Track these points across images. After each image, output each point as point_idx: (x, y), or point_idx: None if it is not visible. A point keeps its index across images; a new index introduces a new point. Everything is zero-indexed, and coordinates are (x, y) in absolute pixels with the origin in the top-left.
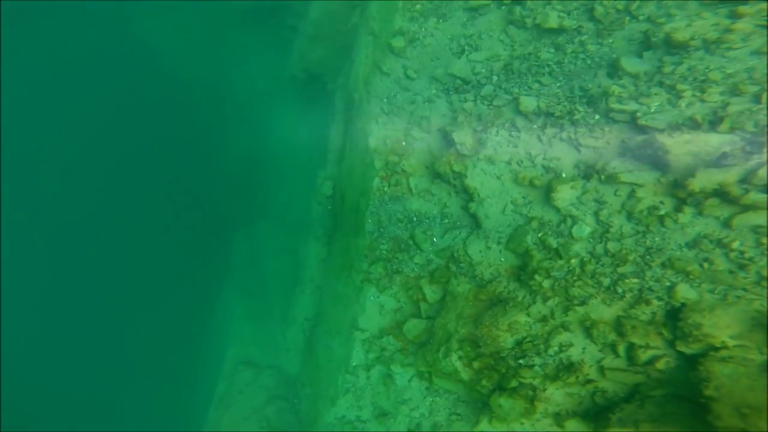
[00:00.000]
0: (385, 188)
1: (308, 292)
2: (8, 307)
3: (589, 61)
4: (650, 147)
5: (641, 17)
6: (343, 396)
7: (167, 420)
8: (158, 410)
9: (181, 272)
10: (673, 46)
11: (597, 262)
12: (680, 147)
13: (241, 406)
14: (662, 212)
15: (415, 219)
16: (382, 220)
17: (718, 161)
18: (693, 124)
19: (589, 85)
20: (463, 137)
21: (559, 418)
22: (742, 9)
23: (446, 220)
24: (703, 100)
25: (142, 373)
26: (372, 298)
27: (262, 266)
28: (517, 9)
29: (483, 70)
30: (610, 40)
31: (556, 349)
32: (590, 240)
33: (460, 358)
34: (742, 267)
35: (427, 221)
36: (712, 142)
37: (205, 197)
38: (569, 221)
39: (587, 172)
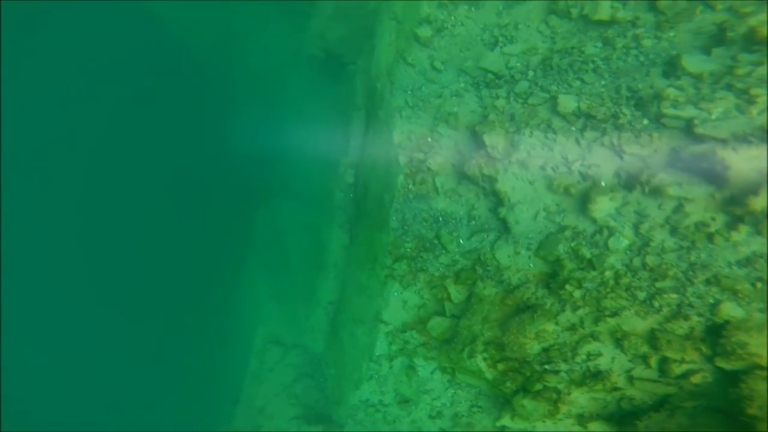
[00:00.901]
0: (410, 186)
1: (331, 277)
2: (19, 292)
3: (642, 58)
4: (707, 160)
5: (720, 6)
6: (366, 382)
7: (200, 395)
8: (191, 386)
9: (203, 249)
10: (755, 43)
11: (633, 276)
12: (745, 163)
13: (272, 383)
14: (712, 229)
15: (440, 219)
16: (407, 217)
17: None
18: (763, 135)
19: (639, 86)
20: (495, 139)
21: (582, 419)
22: None
23: (473, 222)
24: None
25: (173, 350)
26: (396, 293)
27: (284, 243)
28: None
29: (518, 65)
30: (672, 34)
31: (584, 357)
32: (627, 253)
33: (484, 359)
34: None
35: (453, 221)
36: None
37: (221, 174)
38: (605, 232)
39: (629, 183)
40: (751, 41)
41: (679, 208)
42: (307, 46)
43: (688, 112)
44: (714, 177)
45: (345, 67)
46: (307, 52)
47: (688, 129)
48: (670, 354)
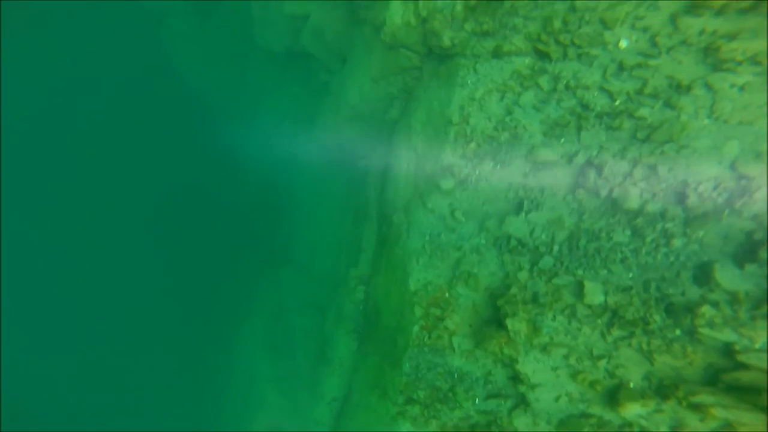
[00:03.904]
0: (425, 339)
1: (336, 374)
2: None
3: (672, 258)
4: (756, 389)
5: (746, 214)
6: None
7: None
8: None
9: (197, 317)
10: None
11: None
12: None
13: None
14: None
15: (456, 376)
16: (421, 366)
17: None
18: None
19: (670, 290)
20: (518, 325)
21: None
22: None
23: (490, 386)
24: None
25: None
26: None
27: (288, 321)
28: (592, 174)
29: (543, 236)
30: (701, 233)
31: None
32: None
33: None
34: None
35: (469, 380)
36: None
37: (225, 238)
38: (636, 428)
39: (663, 392)
40: None
41: (726, 426)
42: (319, 133)
43: (727, 335)
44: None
45: (358, 161)
46: (319, 137)
47: (727, 350)
48: None
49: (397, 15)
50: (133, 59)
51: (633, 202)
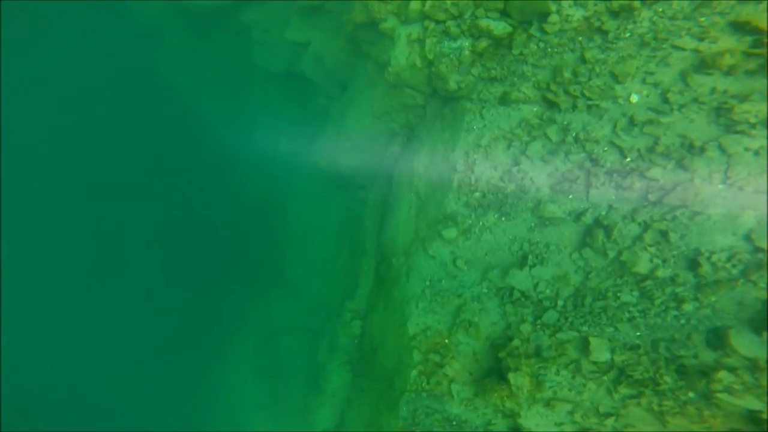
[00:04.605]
0: (424, 384)
1: (328, 405)
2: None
3: (683, 321)
4: None
5: (762, 284)
6: None
7: None
8: None
9: (187, 336)
10: None
11: None
12: None
13: None
14: None
15: (455, 423)
16: (418, 411)
17: None
18: None
19: (681, 352)
20: (521, 380)
21: None
22: None
23: None
24: None
25: None
26: None
27: (279, 344)
28: (600, 235)
29: (547, 291)
30: (713, 299)
31: None
32: None
33: None
34: None
35: (468, 429)
36: None
37: (216, 255)
38: None
39: None
40: None
41: None
42: (318, 159)
43: (751, 402)
44: None
45: (358, 189)
46: (317, 164)
47: (752, 417)
48: None
49: (402, 56)
50: (131, 75)
51: (642, 267)
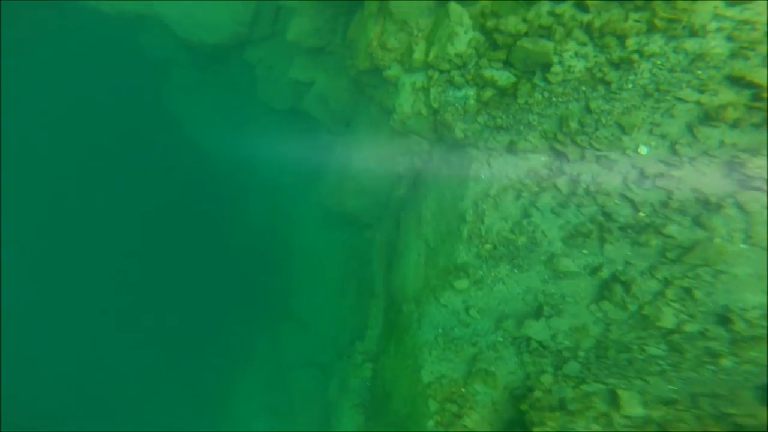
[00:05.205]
0: None
1: None
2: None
3: (722, 376)
4: None
5: None
6: None
7: None
8: None
9: (194, 370)
10: None
11: None
12: None
13: None
14: None
15: None
16: None
17: None
18: None
19: (730, 409)
20: None
21: None
22: None
23: None
24: None
25: None
26: None
27: (288, 381)
28: (618, 289)
29: (567, 342)
30: (752, 354)
31: None
32: None
33: None
34: None
35: None
36: None
37: (221, 287)
38: None
39: None
40: None
41: None
42: (322, 199)
43: None
44: None
45: (364, 229)
46: (321, 204)
47: None
48: None
49: (407, 104)
50: (138, 108)
51: (667, 322)
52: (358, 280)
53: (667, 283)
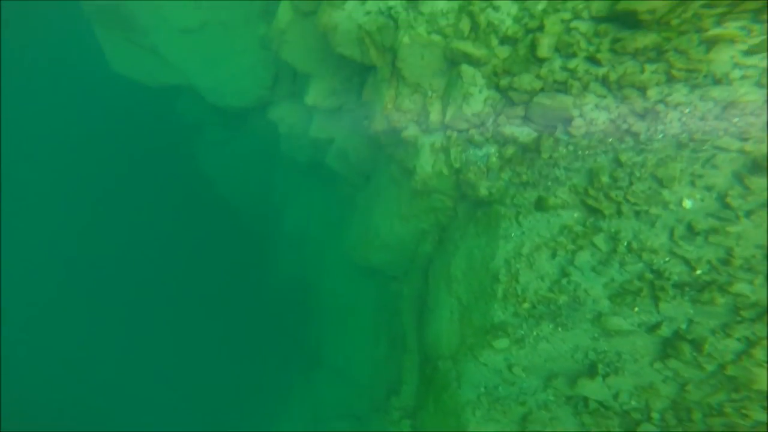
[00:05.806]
0: None
1: None
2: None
3: None
4: None
5: None
6: None
7: None
8: None
9: (229, 419)
10: None
11: None
12: None
13: None
14: None
15: None
16: None
17: None
18: None
19: None
20: None
21: None
22: None
23: None
24: None
25: None
26: None
27: (326, 429)
28: (686, 348)
29: (633, 402)
30: None
31: None
32: None
33: None
34: None
35: None
36: None
37: (253, 336)
38: None
39: None
40: None
41: None
42: (348, 251)
43: None
44: None
45: (390, 281)
46: (348, 256)
47: None
48: None
49: (427, 164)
50: (171, 166)
51: (763, 384)
52: (388, 332)
53: (750, 342)
